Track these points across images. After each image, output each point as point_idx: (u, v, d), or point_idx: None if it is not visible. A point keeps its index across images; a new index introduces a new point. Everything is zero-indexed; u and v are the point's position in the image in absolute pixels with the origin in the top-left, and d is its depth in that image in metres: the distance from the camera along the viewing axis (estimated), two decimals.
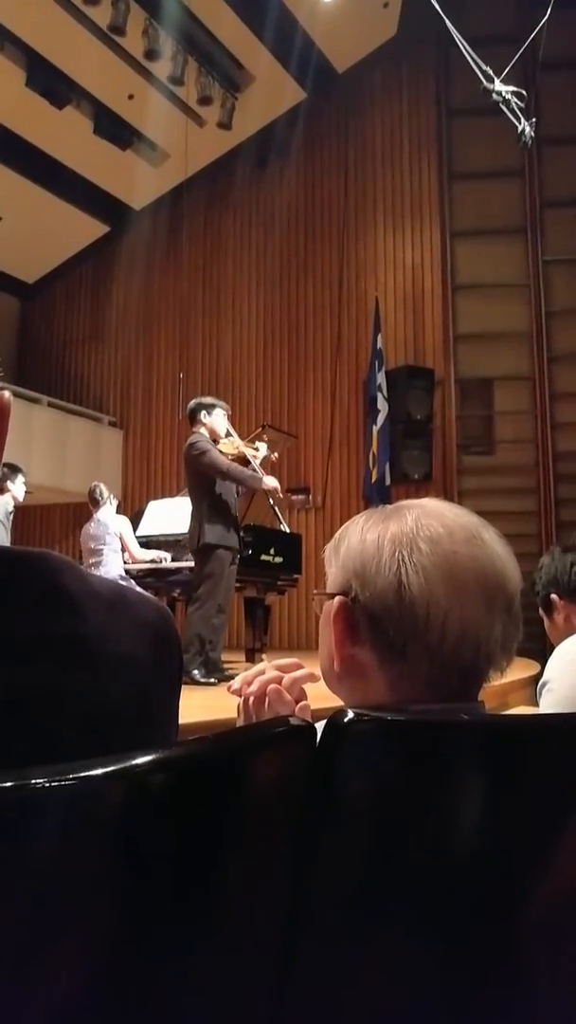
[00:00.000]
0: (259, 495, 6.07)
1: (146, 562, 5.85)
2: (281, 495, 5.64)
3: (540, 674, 1.98)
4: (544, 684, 1.90)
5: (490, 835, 0.70)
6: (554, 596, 2.09)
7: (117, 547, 5.60)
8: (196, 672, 4.59)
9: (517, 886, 0.72)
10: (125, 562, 5.79)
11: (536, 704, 2.03)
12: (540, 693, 1.91)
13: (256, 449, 5.52)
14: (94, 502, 5.75)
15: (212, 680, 4.59)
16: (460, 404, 9.23)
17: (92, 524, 5.67)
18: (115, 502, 5.86)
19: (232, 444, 5.30)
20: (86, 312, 11.39)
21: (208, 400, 5.19)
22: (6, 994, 0.48)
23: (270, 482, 5.25)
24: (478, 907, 0.70)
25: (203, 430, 4.99)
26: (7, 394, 0.69)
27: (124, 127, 9.45)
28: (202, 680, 4.57)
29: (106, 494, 5.77)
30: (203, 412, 5.05)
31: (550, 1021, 0.77)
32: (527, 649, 2.33)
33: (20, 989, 0.49)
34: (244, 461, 5.29)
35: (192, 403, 5.19)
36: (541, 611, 2.14)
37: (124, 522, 5.75)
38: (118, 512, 5.92)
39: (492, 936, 0.71)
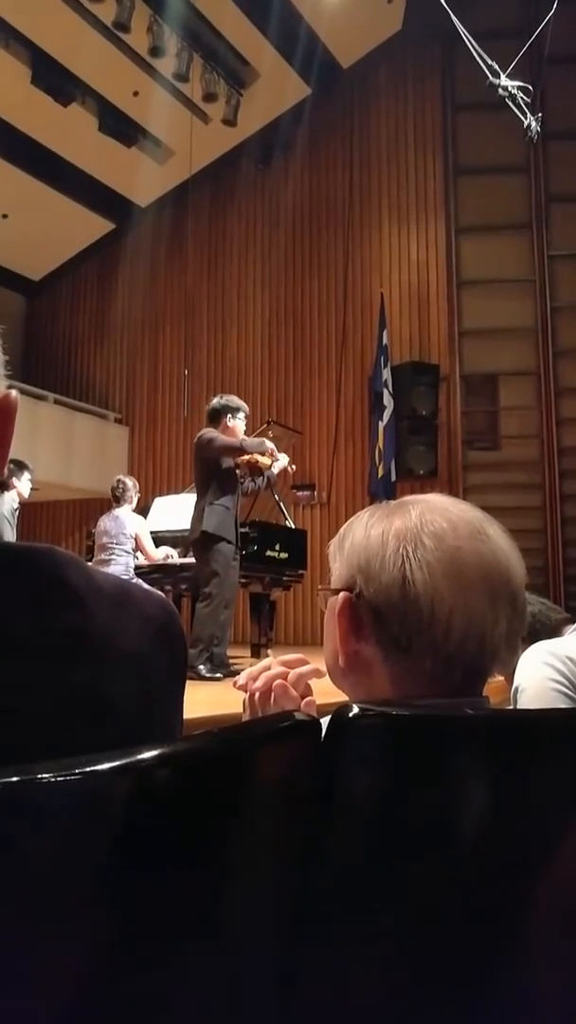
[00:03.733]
0: (264, 493, 6.07)
1: (159, 560, 5.85)
2: (272, 485, 5.54)
3: None
4: (516, 689, 1.91)
5: (495, 830, 0.70)
6: None
7: (129, 547, 5.58)
8: (202, 668, 4.61)
9: (522, 882, 0.72)
10: (139, 564, 5.77)
11: None
12: (515, 700, 1.92)
13: (277, 458, 5.27)
14: (115, 498, 5.73)
15: (217, 675, 4.60)
16: (465, 400, 9.22)
17: (109, 519, 5.66)
18: (136, 499, 5.79)
19: None
20: (92, 309, 11.40)
21: (235, 403, 5.07)
22: (9, 989, 0.48)
23: (283, 460, 5.20)
24: (483, 903, 0.70)
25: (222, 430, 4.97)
26: (14, 393, 0.70)
27: (129, 124, 9.45)
28: (207, 676, 4.58)
29: (130, 491, 5.70)
30: (229, 415, 4.98)
31: (553, 1020, 0.77)
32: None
33: (23, 984, 0.49)
34: (256, 469, 5.23)
35: (216, 402, 5.08)
36: None
37: (141, 523, 5.73)
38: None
39: (497, 934, 0.71)
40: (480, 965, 0.70)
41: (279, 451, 5.49)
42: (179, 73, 8.63)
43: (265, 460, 5.13)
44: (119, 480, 5.82)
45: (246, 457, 5.07)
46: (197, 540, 4.82)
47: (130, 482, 5.80)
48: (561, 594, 8.40)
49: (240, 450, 4.86)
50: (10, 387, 0.70)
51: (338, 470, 9.59)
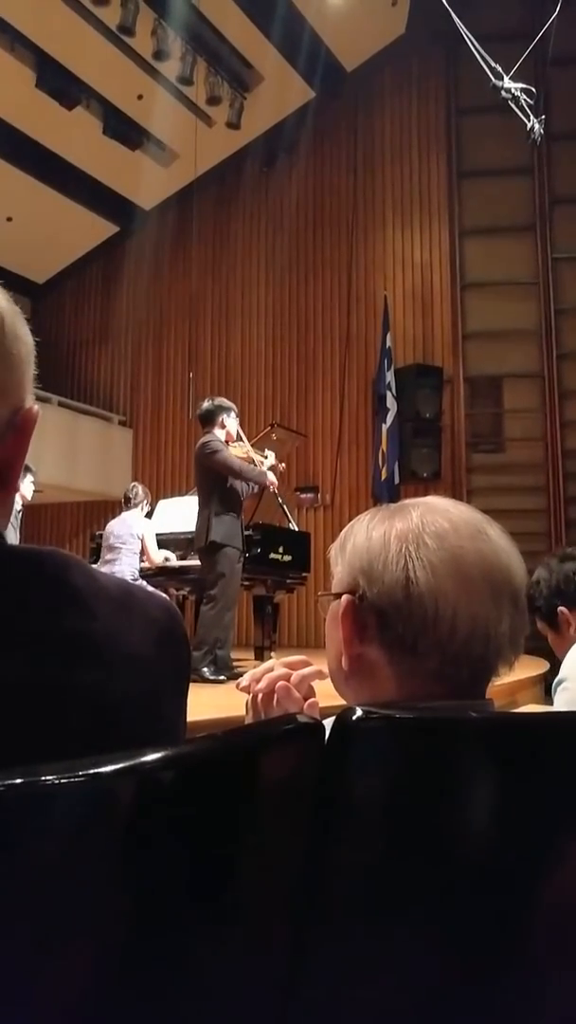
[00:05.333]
0: (268, 495, 6.09)
1: (158, 563, 5.88)
2: (275, 490, 5.62)
3: (549, 672, 1.98)
4: (560, 682, 1.90)
5: (499, 834, 0.70)
6: (562, 608, 2.06)
7: (136, 549, 5.64)
8: (205, 670, 4.61)
9: (527, 886, 0.72)
10: (143, 566, 5.80)
11: (545, 702, 2.03)
12: (555, 691, 1.91)
13: (265, 456, 5.54)
14: (126, 500, 5.85)
15: (221, 678, 4.60)
16: (469, 402, 9.21)
17: (118, 522, 5.75)
18: (146, 506, 5.90)
19: (242, 448, 5.35)
20: (96, 312, 11.41)
21: (226, 403, 5.21)
22: (17, 990, 0.49)
23: (271, 476, 5.31)
24: (487, 907, 0.70)
25: (219, 431, 5.02)
26: (36, 407, 0.70)
27: (133, 127, 9.46)
28: (211, 678, 4.58)
29: (141, 497, 5.83)
30: (223, 415, 5.09)
31: (559, 1021, 0.77)
32: (536, 647, 2.32)
33: (31, 985, 0.49)
34: (251, 464, 5.33)
35: (208, 405, 5.19)
36: (543, 626, 2.10)
37: (148, 526, 5.79)
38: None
39: (501, 936, 0.71)
40: (486, 968, 0.70)
41: (279, 453, 5.56)
42: (183, 76, 8.64)
43: (259, 458, 5.28)
44: (133, 486, 5.97)
45: (241, 455, 5.14)
46: (204, 548, 4.85)
47: (142, 489, 5.93)
48: None
49: (237, 474, 4.90)
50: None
51: (341, 472, 9.59)
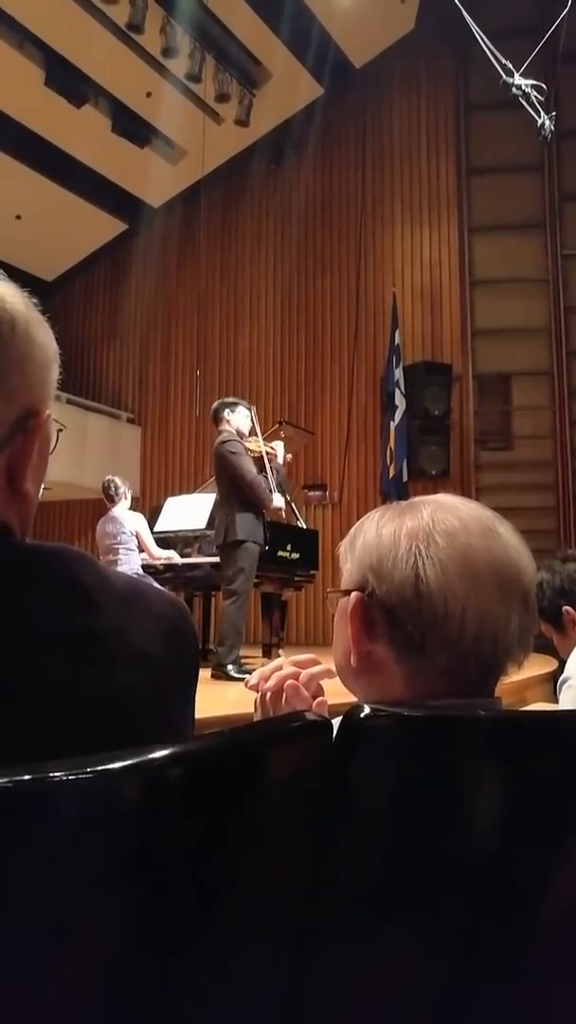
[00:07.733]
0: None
1: (162, 560, 5.83)
2: (283, 515, 5.63)
3: (557, 671, 1.98)
4: (564, 680, 1.90)
5: (506, 832, 0.70)
6: (567, 608, 2.05)
7: (133, 545, 5.54)
8: (231, 667, 4.58)
9: (533, 884, 0.72)
10: (149, 563, 5.75)
11: (554, 700, 2.03)
12: (560, 689, 1.91)
13: (272, 448, 5.56)
14: (109, 497, 5.68)
15: (240, 676, 4.59)
16: (478, 400, 9.19)
17: (108, 522, 5.60)
18: (129, 496, 5.77)
19: (255, 442, 5.38)
20: (104, 310, 11.43)
21: (229, 400, 5.29)
22: (22, 987, 0.49)
23: (277, 501, 5.30)
24: (493, 905, 0.70)
25: (229, 427, 5.04)
26: (48, 412, 0.71)
27: (142, 125, 9.46)
28: (236, 675, 4.52)
29: (121, 488, 5.68)
30: (227, 410, 5.15)
31: (563, 1021, 0.77)
32: (545, 646, 2.32)
33: (36, 983, 0.49)
34: (261, 462, 5.33)
35: (215, 404, 5.29)
36: (548, 628, 2.09)
37: (140, 519, 5.69)
38: (132, 508, 5.85)
39: (506, 934, 0.71)
40: (491, 964, 0.70)
41: (289, 451, 5.59)
42: (192, 74, 8.63)
43: (267, 449, 5.39)
44: (110, 480, 5.76)
45: (254, 449, 5.22)
46: (228, 544, 4.84)
47: (120, 479, 5.77)
48: None
49: (247, 484, 4.88)
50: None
51: (350, 470, 9.58)
